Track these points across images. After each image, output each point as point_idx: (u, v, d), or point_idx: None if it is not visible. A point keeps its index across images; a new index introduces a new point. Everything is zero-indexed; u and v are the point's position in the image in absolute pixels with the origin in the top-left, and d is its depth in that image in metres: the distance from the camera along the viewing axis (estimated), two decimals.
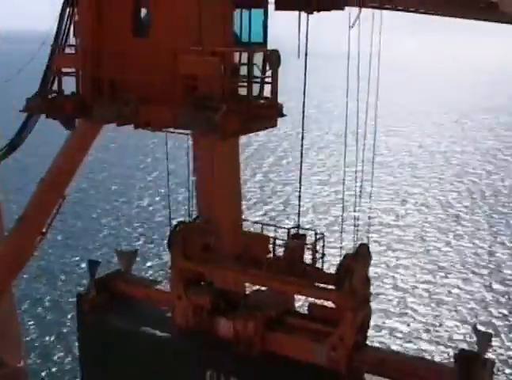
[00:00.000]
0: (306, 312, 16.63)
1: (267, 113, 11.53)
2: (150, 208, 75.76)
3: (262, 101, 11.29)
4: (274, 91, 11.29)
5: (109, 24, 11.10)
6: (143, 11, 12.29)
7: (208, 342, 16.63)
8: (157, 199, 78.68)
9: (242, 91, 11.16)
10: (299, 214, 17.54)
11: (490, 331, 15.81)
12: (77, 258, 58.89)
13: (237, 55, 11.79)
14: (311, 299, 16.42)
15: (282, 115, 11.82)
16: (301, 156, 14.89)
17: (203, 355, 16.81)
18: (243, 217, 19.60)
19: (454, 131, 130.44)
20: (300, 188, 17.28)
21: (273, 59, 11.03)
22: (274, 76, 11.19)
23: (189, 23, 10.66)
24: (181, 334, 17.17)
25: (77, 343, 20.04)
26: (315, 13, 13.63)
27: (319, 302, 16.50)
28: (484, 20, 39.59)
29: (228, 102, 10.33)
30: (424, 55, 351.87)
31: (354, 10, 14.54)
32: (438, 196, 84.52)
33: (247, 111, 10.95)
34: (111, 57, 10.87)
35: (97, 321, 18.38)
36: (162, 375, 17.57)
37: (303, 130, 14.08)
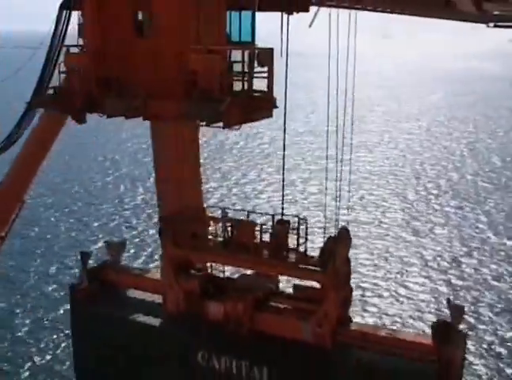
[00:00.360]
0: (291, 293, 17.73)
1: (265, 105, 12.58)
2: (129, 201, 76.74)
3: (258, 94, 12.33)
4: (270, 86, 12.35)
5: (112, 26, 11.99)
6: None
7: (198, 325, 17.59)
8: (140, 190, 79.77)
9: (236, 86, 12.19)
10: (283, 200, 18.48)
11: (462, 304, 17.11)
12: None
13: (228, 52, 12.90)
14: (295, 281, 17.55)
15: (276, 106, 12.92)
16: (283, 147, 15.93)
17: (194, 337, 17.75)
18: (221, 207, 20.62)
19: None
20: (284, 176, 18.32)
21: (270, 57, 12.14)
22: (270, 72, 12.24)
23: (188, 24, 11.65)
24: (172, 319, 18.10)
25: (68, 332, 20.66)
26: (294, 14, 14.75)
27: (302, 283, 17.64)
28: (444, 18, 41.73)
29: (227, 95, 11.43)
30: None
31: (335, 11, 15.69)
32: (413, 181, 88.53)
33: (248, 103, 12.02)
34: (116, 56, 11.78)
35: (90, 310, 19.20)
36: (155, 359, 18.45)
37: (284, 125, 15.09)
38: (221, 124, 11.57)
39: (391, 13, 32.06)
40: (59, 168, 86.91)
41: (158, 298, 19.02)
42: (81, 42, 12.62)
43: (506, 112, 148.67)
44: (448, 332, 15.72)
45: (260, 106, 12.45)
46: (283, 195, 18.04)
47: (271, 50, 12.20)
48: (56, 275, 53.01)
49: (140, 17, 11.94)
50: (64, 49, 13.13)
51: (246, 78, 12.07)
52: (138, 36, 11.99)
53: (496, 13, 30.94)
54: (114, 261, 20.20)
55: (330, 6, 22.44)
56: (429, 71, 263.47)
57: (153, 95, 11.56)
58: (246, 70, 12.03)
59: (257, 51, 12.76)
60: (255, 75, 12.04)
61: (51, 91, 13.91)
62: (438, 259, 60.05)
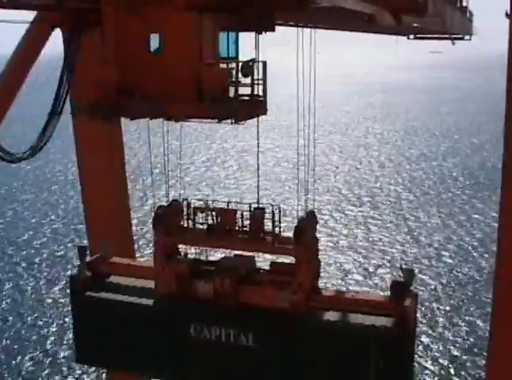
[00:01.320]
0: (268, 269, 20.74)
1: (261, 105, 15.60)
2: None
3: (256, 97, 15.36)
4: (264, 90, 15.40)
5: (129, 45, 14.73)
6: None
7: (189, 301, 20.37)
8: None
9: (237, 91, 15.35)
10: (258, 191, 21.44)
11: (413, 268, 20.56)
12: None
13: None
14: (272, 259, 20.62)
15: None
16: (257, 140, 19.03)
17: (186, 312, 20.50)
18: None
19: None
20: (258, 168, 21.24)
21: (264, 68, 15.23)
22: (264, 80, 15.33)
23: (194, 44, 14.56)
24: (165, 299, 20.80)
25: (68, 321, 22.98)
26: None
27: (278, 260, 20.74)
28: (368, 32, 45.15)
29: (233, 98, 14.70)
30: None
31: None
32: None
33: (250, 103, 15.06)
34: (135, 70, 14.55)
35: (88, 296, 21.69)
36: (152, 336, 21.09)
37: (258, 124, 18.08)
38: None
39: (321, 28, 34.86)
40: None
41: (148, 284, 21.69)
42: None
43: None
44: (402, 292, 19.03)
45: (258, 106, 15.50)
46: (258, 187, 21.08)
47: (264, 62, 15.31)
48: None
49: (151, 38, 14.78)
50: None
51: (247, 85, 15.33)
52: (150, 54, 14.80)
53: (415, 25, 32.13)
54: (107, 255, 22.80)
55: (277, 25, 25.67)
56: (348, 83, 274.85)
57: (167, 100, 14.39)
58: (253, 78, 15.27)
59: (241, 64, 15.84)
60: (254, 83, 15.10)
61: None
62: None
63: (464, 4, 51.63)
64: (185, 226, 20.77)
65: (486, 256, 69.50)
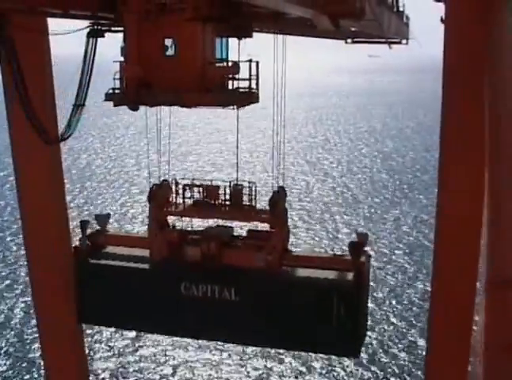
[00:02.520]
0: (245, 235, 24.69)
1: (255, 95, 19.59)
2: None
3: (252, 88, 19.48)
4: (257, 83, 19.43)
5: (148, 47, 18.56)
6: None
7: (180, 264, 24.15)
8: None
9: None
10: (237, 169, 25.24)
11: (366, 232, 24.91)
12: None
13: None
14: (249, 227, 24.61)
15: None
16: (237, 127, 23.09)
17: (177, 273, 24.25)
18: None
19: None
20: (238, 149, 25.38)
21: (257, 67, 19.24)
22: (257, 76, 19.41)
23: (199, 47, 18.40)
24: (158, 263, 24.53)
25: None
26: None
27: (254, 228, 24.72)
28: (308, 36, 47.05)
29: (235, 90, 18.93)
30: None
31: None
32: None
33: (249, 93, 19.16)
34: (153, 67, 18.33)
35: (91, 264, 25.26)
36: (147, 296, 24.73)
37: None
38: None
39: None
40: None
41: (141, 252, 25.34)
42: (121, 59, 18.96)
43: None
44: (358, 250, 23.28)
45: (253, 95, 19.55)
46: (237, 166, 24.98)
47: (257, 62, 19.38)
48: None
49: (166, 42, 18.61)
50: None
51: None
52: (165, 55, 18.57)
53: (353, 29, 32.29)
54: (102, 229, 26.39)
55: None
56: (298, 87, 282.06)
57: (180, 92, 18.30)
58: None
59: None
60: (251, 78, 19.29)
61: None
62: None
63: (401, 9, 52.52)
64: (175, 201, 24.58)
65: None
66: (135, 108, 18.69)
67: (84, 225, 25.70)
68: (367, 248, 23.97)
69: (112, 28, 20.20)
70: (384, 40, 47.19)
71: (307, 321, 23.45)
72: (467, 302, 29.01)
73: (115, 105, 18.77)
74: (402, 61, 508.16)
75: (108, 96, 18.79)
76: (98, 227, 26.40)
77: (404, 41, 54.20)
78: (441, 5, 28.50)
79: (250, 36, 21.39)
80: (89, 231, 26.03)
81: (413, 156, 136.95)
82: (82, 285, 25.82)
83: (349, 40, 46.75)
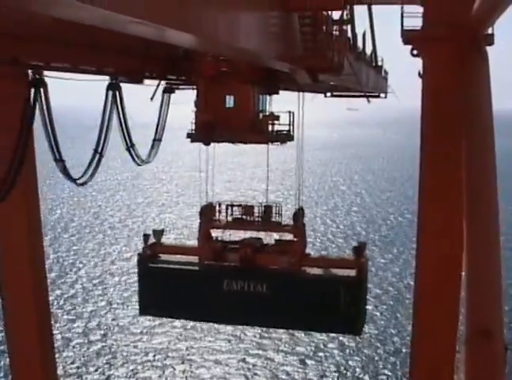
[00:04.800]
0: (273, 243, 32.10)
1: (291, 136, 27.70)
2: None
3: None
4: (292, 127, 27.39)
5: (213, 99, 26.38)
6: None
7: (222, 266, 31.41)
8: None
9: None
10: (267, 195, 32.78)
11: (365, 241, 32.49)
12: None
13: None
14: (276, 237, 32.16)
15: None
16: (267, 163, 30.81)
17: (220, 273, 31.45)
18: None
19: None
20: (267, 180, 32.96)
21: (292, 116, 27.14)
22: (292, 122, 27.27)
23: (251, 101, 26.27)
24: (206, 266, 31.77)
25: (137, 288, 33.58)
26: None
27: (280, 238, 32.24)
28: (288, 90, 49.76)
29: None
30: None
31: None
32: None
33: (286, 135, 27.30)
34: (218, 115, 26.15)
35: (152, 267, 32.44)
36: (196, 292, 31.80)
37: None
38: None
39: None
40: None
41: (189, 258, 32.52)
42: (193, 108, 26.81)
43: None
44: (360, 253, 30.81)
45: (289, 136, 27.45)
46: (267, 191, 32.62)
47: (293, 113, 27.35)
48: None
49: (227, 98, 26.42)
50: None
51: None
52: (225, 107, 26.37)
53: (332, 83, 33.83)
54: (159, 240, 33.66)
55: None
56: None
57: (238, 132, 26.08)
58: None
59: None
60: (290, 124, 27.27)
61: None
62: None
63: (380, 63, 55.74)
64: (218, 218, 32.06)
65: None
66: (207, 143, 26.39)
67: (145, 237, 32.97)
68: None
69: (180, 87, 28.30)
70: (362, 94, 50.60)
71: (321, 308, 30.68)
72: (448, 352, 30.16)
73: (192, 142, 26.49)
74: (381, 114, 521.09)
75: (188, 135, 26.54)
76: (154, 240, 33.71)
77: (383, 95, 56.61)
78: (419, 60, 29.95)
79: (277, 93, 29.38)
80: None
81: (387, 208, 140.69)
82: (143, 284, 32.89)
83: (328, 94, 47.96)
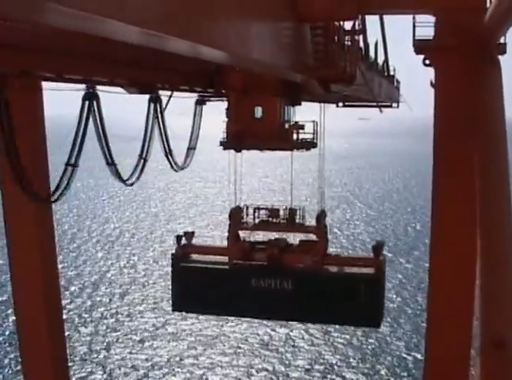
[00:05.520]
0: (297, 243, 34.49)
1: (314, 143, 30.04)
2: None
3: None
4: (315, 136, 29.87)
5: (243, 110, 28.85)
6: None
7: (251, 265, 33.80)
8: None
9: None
10: (291, 199, 35.28)
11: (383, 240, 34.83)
12: None
13: None
14: (300, 237, 34.55)
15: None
16: (291, 174, 33.27)
17: (249, 271, 33.84)
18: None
19: None
20: (292, 185, 35.35)
21: (315, 125, 29.61)
22: (315, 131, 29.73)
23: (278, 112, 28.84)
24: (235, 265, 34.17)
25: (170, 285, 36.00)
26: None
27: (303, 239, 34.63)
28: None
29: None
30: None
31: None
32: None
33: (310, 142, 29.79)
34: (247, 125, 28.55)
35: (184, 266, 34.85)
36: (226, 289, 34.16)
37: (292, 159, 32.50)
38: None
39: None
40: None
41: (218, 258, 34.90)
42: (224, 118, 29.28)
43: None
44: (378, 252, 33.15)
45: (313, 143, 29.94)
46: (291, 193, 35.05)
47: (316, 122, 29.78)
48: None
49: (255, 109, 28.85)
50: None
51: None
52: (254, 117, 28.82)
53: (345, 93, 33.50)
54: (189, 242, 36.11)
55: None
56: None
57: (266, 141, 28.52)
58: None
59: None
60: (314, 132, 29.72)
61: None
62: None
63: (392, 73, 56.35)
64: (246, 220, 34.50)
65: None
66: (239, 150, 28.91)
67: (178, 238, 35.45)
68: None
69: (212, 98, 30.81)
70: (374, 104, 49.07)
71: (343, 303, 32.99)
72: (461, 363, 29.84)
73: (224, 149, 29.04)
74: (393, 124, 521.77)
75: (221, 143, 29.08)
76: (185, 241, 36.18)
77: (395, 105, 56.06)
78: (431, 70, 29.69)
79: (299, 104, 31.87)
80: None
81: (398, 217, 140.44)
82: (176, 282, 35.28)
83: (340, 104, 47.94)
